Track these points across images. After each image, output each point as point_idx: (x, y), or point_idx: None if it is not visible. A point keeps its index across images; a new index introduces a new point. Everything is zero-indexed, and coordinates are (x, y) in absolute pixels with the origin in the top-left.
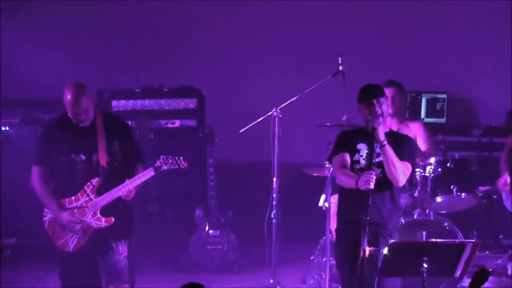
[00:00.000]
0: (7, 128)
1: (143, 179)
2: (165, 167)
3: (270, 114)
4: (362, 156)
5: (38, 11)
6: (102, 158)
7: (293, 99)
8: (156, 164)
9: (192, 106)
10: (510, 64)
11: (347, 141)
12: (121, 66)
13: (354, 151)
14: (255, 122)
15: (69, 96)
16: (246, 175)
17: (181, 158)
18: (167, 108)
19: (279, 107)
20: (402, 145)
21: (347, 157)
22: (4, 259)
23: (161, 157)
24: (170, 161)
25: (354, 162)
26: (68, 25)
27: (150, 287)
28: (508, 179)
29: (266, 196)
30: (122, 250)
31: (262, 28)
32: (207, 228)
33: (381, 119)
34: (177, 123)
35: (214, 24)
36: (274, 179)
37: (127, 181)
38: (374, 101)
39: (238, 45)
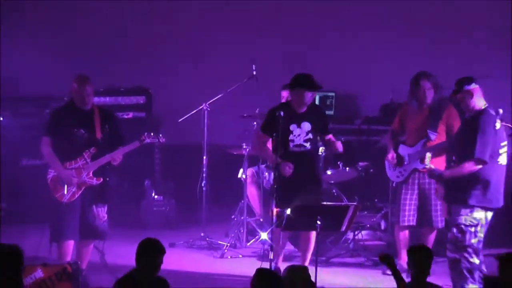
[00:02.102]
0: (1, 119)
1: (130, 149)
2: (148, 140)
3: (201, 108)
4: (295, 135)
5: (18, 11)
6: (98, 133)
7: (218, 96)
8: (141, 138)
9: (142, 101)
10: (388, 67)
11: (274, 124)
12: (89, 70)
13: (287, 133)
14: (190, 114)
15: (76, 83)
16: (183, 154)
17: (160, 134)
18: (123, 103)
19: (208, 102)
20: (324, 119)
21: (268, 140)
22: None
23: (145, 133)
24: (153, 135)
25: (289, 141)
26: (45, 29)
27: (110, 241)
28: (394, 155)
29: (198, 170)
30: (102, 215)
31: (196, 39)
32: (153, 194)
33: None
34: (130, 114)
35: (167, 36)
36: (204, 157)
37: (117, 150)
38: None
39: (179, 54)
